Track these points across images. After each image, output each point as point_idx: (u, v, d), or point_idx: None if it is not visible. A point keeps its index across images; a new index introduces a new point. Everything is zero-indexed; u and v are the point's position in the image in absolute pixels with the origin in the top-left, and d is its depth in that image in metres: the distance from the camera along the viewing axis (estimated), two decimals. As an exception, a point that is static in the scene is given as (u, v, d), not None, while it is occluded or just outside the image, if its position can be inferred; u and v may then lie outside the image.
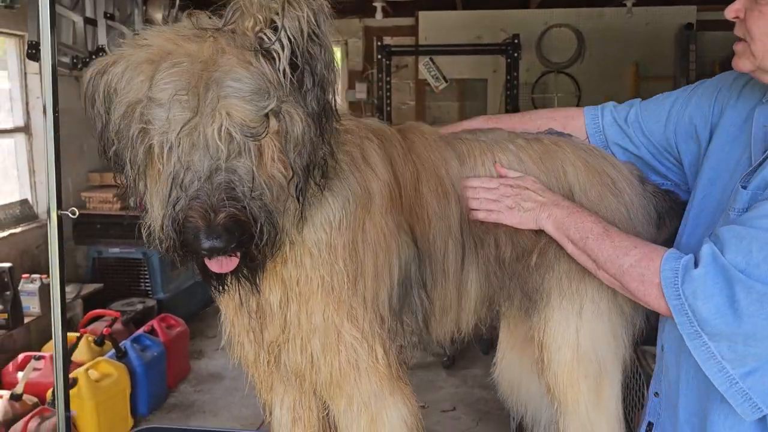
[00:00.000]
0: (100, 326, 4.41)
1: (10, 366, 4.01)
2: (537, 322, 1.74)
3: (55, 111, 1.89)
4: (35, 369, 3.86)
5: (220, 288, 1.36)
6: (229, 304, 1.61)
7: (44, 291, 4.56)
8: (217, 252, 1.22)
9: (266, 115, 1.23)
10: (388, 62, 5.80)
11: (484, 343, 4.49)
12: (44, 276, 4.62)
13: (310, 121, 1.27)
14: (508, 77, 5.54)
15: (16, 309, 4.27)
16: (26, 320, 4.39)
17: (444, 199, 1.66)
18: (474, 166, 1.71)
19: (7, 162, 5.10)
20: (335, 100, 1.35)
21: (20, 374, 3.79)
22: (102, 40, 4.93)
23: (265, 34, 1.25)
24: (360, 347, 1.51)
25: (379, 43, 5.72)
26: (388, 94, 5.86)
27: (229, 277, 1.34)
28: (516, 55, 5.45)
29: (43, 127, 1.95)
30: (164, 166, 1.24)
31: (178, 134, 1.19)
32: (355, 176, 1.52)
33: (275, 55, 1.24)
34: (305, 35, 1.24)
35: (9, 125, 4.99)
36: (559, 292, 1.70)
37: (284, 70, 1.24)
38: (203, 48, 1.23)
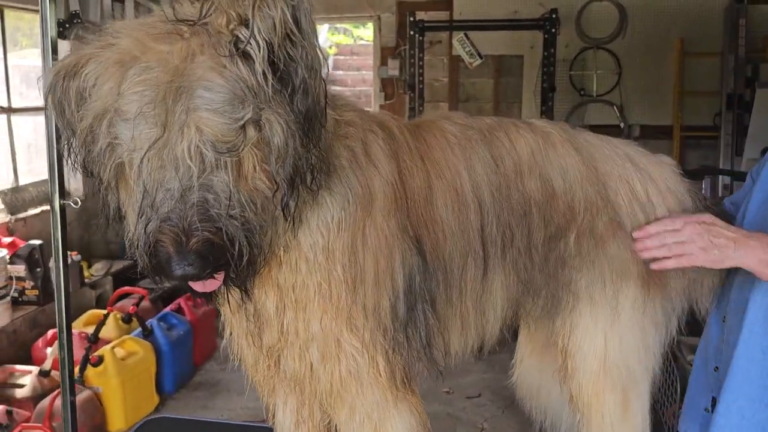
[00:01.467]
0: (128, 304, 4.44)
1: (40, 342, 4.07)
2: (562, 328, 1.64)
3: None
4: (63, 345, 3.90)
5: (208, 299, 1.30)
6: (225, 304, 1.52)
7: (74, 268, 4.61)
8: (189, 279, 1.13)
9: (243, 127, 1.13)
10: (421, 38, 5.65)
11: (513, 328, 4.39)
12: (74, 253, 4.67)
13: (294, 128, 1.17)
14: (546, 54, 5.35)
15: (46, 285, 4.33)
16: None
17: (462, 213, 1.52)
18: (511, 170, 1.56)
19: (39, 139, 5.15)
20: (325, 104, 1.23)
21: (49, 350, 3.84)
22: (130, 16, 4.90)
23: (240, 32, 1.13)
24: (360, 358, 1.42)
25: (412, 18, 5.57)
26: (421, 71, 5.72)
27: (216, 290, 1.26)
28: (554, 30, 5.26)
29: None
30: (135, 183, 1.16)
31: (144, 153, 1.11)
32: (356, 174, 1.40)
33: (252, 55, 1.13)
34: (280, 35, 1.13)
35: (41, 102, 5.01)
36: (589, 296, 1.59)
37: (264, 72, 1.13)
38: (174, 51, 1.12)
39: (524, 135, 1.60)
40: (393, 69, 6.65)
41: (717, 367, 1.62)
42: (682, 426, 1.76)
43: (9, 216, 4.74)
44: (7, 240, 4.52)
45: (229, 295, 1.32)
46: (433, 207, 1.50)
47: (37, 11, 1.96)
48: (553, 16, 5.26)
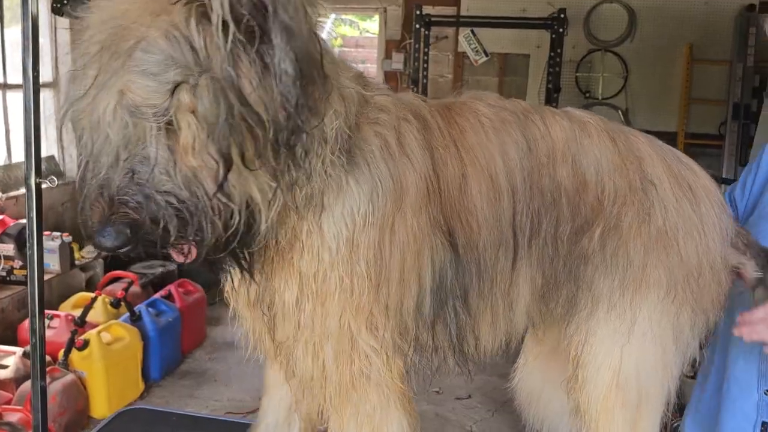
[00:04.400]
0: (118, 288, 4.39)
1: (26, 323, 4.00)
2: (576, 335, 1.53)
3: (35, 70, 1.74)
4: (49, 327, 3.84)
5: (214, 273, 1.24)
6: (242, 297, 1.45)
7: (64, 249, 4.55)
8: (110, 249, 1.06)
9: (173, 91, 1.04)
10: (427, 32, 5.59)
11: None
12: (65, 234, 4.61)
13: (233, 95, 1.05)
14: (552, 54, 5.29)
15: (35, 265, 4.26)
16: (46, 277, 4.38)
17: (496, 201, 1.43)
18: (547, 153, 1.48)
19: (35, 117, 5.07)
20: (321, 59, 1.11)
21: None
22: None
23: None
24: (377, 358, 1.35)
25: (418, 12, 5.50)
26: (425, 65, 5.66)
27: (224, 263, 1.20)
28: (562, 30, 5.19)
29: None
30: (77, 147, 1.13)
31: (64, 114, 1.07)
32: (388, 165, 1.31)
33: (211, 11, 1.04)
34: None
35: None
36: (608, 303, 1.49)
37: (223, 27, 1.03)
38: (132, 7, 1.06)
39: (560, 121, 1.51)
40: (397, 62, 6.59)
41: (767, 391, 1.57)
42: None
43: (1, 194, 4.67)
44: (-2, 218, 4.47)
45: (244, 288, 1.26)
46: (466, 196, 1.42)
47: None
48: (562, 16, 5.20)
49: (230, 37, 1.04)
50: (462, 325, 1.45)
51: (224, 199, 1.10)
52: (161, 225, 1.07)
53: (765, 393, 1.62)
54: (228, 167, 1.07)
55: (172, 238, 1.08)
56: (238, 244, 1.18)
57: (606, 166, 1.50)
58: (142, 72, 1.03)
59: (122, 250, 1.07)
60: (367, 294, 1.31)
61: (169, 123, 1.06)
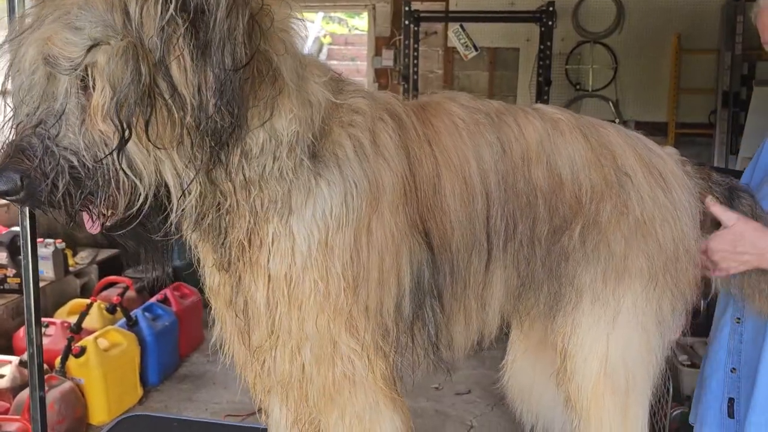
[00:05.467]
0: (113, 293, 4.36)
1: (22, 331, 3.98)
2: (562, 327, 1.56)
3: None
4: (45, 335, 3.81)
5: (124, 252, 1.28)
6: (218, 299, 1.46)
7: (58, 256, 4.53)
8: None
9: (89, 48, 1.05)
10: (416, 28, 5.58)
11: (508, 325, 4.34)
12: (58, 240, 4.58)
13: (141, 66, 1.05)
14: (542, 47, 5.30)
15: (29, 273, 4.23)
16: (40, 285, 4.35)
17: (470, 203, 1.44)
18: (520, 155, 1.49)
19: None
20: (244, 36, 1.09)
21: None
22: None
23: None
24: (359, 360, 1.35)
25: (407, 8, 5.49)
26: (416, 61, 5.65)
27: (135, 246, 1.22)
28: (551, 23, 5.19)
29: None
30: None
31: None
32: (363, 166, 1.32)
33: None
34: None
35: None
36: (592, 294, 1.52)
37: (162, 1, 1.04)
38: None
39: (533, 121, 1.52)
40: (387, 59, 6.57)
41: (734, 369, 1.62)
42: (701, 429, 1.76)
43: (-8, 202, 4.64)
44: (-10, 226, 4.44)
45: (222, 288, 1.27)
46: (440, 196, 1.42)
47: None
48: (550, 8, 5.20)
49: (169, 12, 1.04)
50: (438, 324, 1.46)
51: (130, 173, 1.09)
52: (51, 179, 1.06)
53: (731, 371, 1.66)
54: (125, 137, 1.06)
55: (59, 195, 1.07)
56: (142, 226, 1.17)
57: (580, 163, 1.51)
58: (68, 25, 1.06)
59: (11, 198, 1.08)
60: (344, 296, 1.31)
61: (87, 82, 1.07)
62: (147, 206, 1.13)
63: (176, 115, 1.08)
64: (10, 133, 1.13)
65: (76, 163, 1.08)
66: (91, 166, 1.08)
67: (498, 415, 3.78)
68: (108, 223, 1.16)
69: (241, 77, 1.10)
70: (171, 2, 1.05)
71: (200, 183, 1.16)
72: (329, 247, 1.29)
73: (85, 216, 1.15)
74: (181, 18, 1.05)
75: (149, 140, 1.08)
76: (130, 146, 1.08)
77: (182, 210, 1.16)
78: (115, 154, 1.07)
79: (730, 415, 1.68)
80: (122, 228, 1.16)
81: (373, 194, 1.32)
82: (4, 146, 1.09)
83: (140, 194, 1.12)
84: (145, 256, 1.26)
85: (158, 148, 1.09)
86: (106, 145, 1.08)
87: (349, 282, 1.31)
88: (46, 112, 1.08)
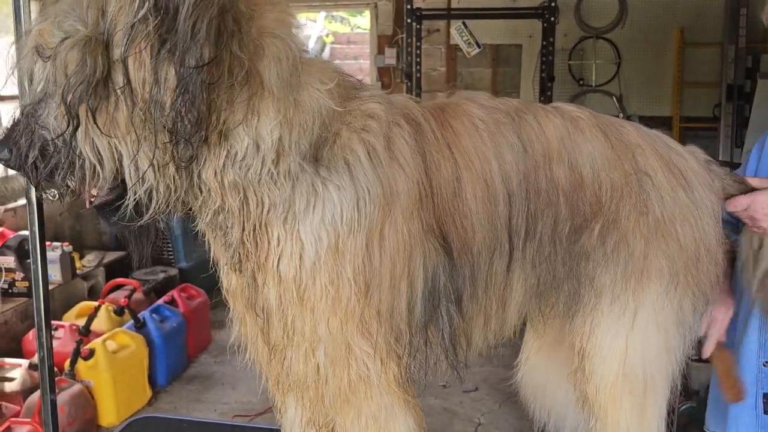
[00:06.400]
0: (121, 296, 4.38)
1: (31, 334, 4.01)
2: (580, 327, 1.55)
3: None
4: (54, 338, 3.83)
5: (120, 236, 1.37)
6: (236, 300, 1.48)
7: (65, 259, 4.55)
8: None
9: (63, 39, 1.16)
10: (418, 26, 5.59)
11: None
12: (65, 243, 4.61)
13: (96, 60, 1.15)
14: (544, 43, 5.30)
15: (37, 277, 4.26)
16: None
17: (492, 204, 1.44)
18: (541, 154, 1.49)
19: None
20: (208, 33, 1.12)
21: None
22: None
23: None
24: (372, 363, 1.36)
25: (409, 6, 5.49)
26: (418, 59, 5.66)
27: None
28: (553, 19, 5.20)
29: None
30: None
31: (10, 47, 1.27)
32: (377, 172, 1.31)
33: None
34: None
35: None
36: (611, 294, 1.51)
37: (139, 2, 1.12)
38: None
39: (553, 120, 1.51)
40: (390, 58, 6.58)
41: (767, 363, 1.61)
42: (730, 430, 1.72)
43: (-1, 206, 4.67)
44: (-3, 230, 4.46)
45: (239, 288, 1.32)
46: (461, 200, 1.42)
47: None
48: (552, 4, 5.20)
49: (144, 9, 1.11)
50: (455, 327, 1.46)
51: (91, 156, 1.21)
52: (24, 150, 1.21)
53: (764, 365, 1.64)
54: (71, 123, 1.17)
55: (29, 165, 1.21)
56: (117, 209, 1.26)
57: (601, 161, 1.51)
58: (56, 21, 1.18)
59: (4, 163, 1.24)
60: (355, 300, 1.32)
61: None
62: (118, 190, 1.25)
63: (127, 107, 1.16)
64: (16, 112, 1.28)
65: (47, 139, 1.21)
66: (56, 144, 1.20)
67: (506, 413, 3.79)
68: (95, 202, 1.28)
69: (204, 77, 1.12)
70: (147, 2, 1.11)
71: (161, 175, 1.21)
72: (340, 252, 1.30)
73: (68, 188, 1.26)
74: (152, 17, 1.11)
75: (98, 127, 1.17)
76: (90, 131, 1.18)
77: (137, 196, 1.23)
78: (66, 136, 1.18)
79: (767, 411, 1.66)
80: (103, 208, 1.28)
81: (387, 200, 1.32)
82: (11, 124, 1.26)
83: (100, 176, 1.22)
84: (129, 239, 1.36)
85: (109, 137, 1.19)
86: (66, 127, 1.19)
87: (360, 286, 1.31)
88: (36, 95, 1.23)
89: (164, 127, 1.14)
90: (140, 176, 1.19)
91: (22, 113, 1.24)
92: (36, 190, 1.34)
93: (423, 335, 1.42)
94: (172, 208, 1.27)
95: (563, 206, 1.48)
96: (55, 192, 1.27)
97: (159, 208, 1.24)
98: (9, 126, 1.24)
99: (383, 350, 1.36)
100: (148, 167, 1.18)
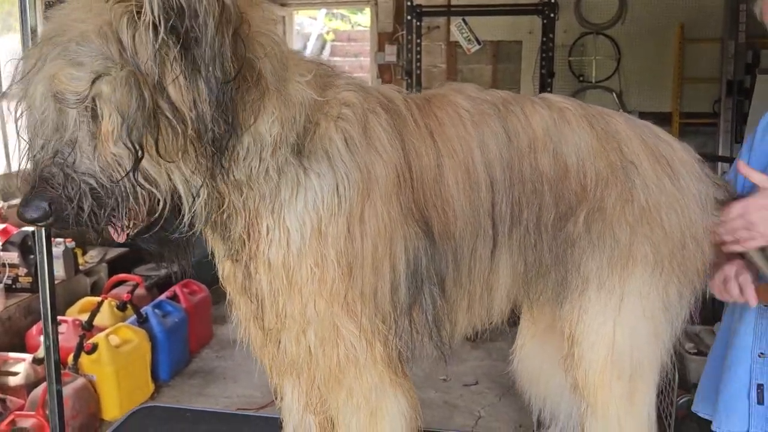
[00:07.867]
0: (123, 291, 4.41)
1: (34, 329, 4.04)
2: (569, 313, 1.58)
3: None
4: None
5: (151, 254, 1.36)
6: (231, 286, 1.53)
7: (68, 255, 4.58)
8: (30, 222, 1.17)
9: (93, 81, 1.13)
10: (418, 23, 5.59)
11: (511, 315, 4.37)
12: (68, 240, 4.63)
13: (145, 91, 1.13)
14: (544, 39, 5.30)
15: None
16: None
17: (473, 191, 1.48)
18: (527, 143, 1.51)
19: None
20: (232, 53, 1.16)
21: (43, 338, 3.81)
22: None
23: None
24: (357, 343, 1.40)
25: (409, 3, 5.51)
26: (418, 56, 5.66)
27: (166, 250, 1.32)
28: (553, 15, 5.20)
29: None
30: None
31: (2, 94, 1.21)
32: (355, 157, 1.37)
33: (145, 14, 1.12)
34: None
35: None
36: (598, 281, 1.54)
37: (154, 27, 1.11)
38: (79, 6, 1.17)
39: (539, 110, 1.55)
40: (390, 55, 6.60)
41: (762, 354, 1.61)
42: (728, 419, 1.72)
43: (2, 202, 4.69)
44: (0, 226, 4.48)
45: (233, 274, 1.35)
46: (442, 185, 1.46)
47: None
48: (552, 0, 5.20)
49: (160, 36, 1.12)
50: (438, 309, 1.50)
51: (147, 186, 1.19)
52: (76, 203, 1.16)
53: (759, 356, 1.65)
54: (138, 156, 1.15)
55: (86, 216, 1.17)
56: (162, 230, 1.26)
57: (586, 151, 1.53)
58: (70, 61, 1.13)
59: (41, 223, 1.18)
60: (339, 281, 1.37)
61: (95, 111, 1.15)
62: (166, 212, 1.23)
63: (179, 130, 1.16)
64: (27, 165, 1.22)
65: (95, 185, 1.17)
66: (108, 186, 1.17)
67: (505, 406, 3.82)
68: (132, 232, 1.26)
69: (233, 87, 1.17)
70: (160, 28, 1.12)
71: (207, 185, 1.24)
72: (323, 235, 1.35)
73: (111, 229, 1.24)
74: (171, 41, 1.13)
75: (159, 155, 1.17)
76: (144, 162, 1.17)
77: (193, 211, 1.25)
78: (131, 173, 1.17)
79: (760, 401, 1.66)
80: (145, 234, 1.27)
81: (365, 184, 1.37)
82: (27, 178, 1.19)
83: (158, 201, 1.22)
84: (167, 255, 1.36)
85: (168, 161, 1.19)
86: (119, 165, 1.17)
87: (344, 268, 1.36)
88: (59, 142, 1.17)
89: (208, 140, 1.18)
90: (197, 192, 1.23)
91: (44, 165, 1.17)
92: (97, 237, 1.29)
93: (407, 317, 1.46)
94: (211, 212, 1.30)
95: (548, 194, 1.51)
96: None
97: (208, 217, 1.28)
98: (33, 183, 1.17)
99: (368, 330, 1.40)
100: (203, 184, 1.22)
